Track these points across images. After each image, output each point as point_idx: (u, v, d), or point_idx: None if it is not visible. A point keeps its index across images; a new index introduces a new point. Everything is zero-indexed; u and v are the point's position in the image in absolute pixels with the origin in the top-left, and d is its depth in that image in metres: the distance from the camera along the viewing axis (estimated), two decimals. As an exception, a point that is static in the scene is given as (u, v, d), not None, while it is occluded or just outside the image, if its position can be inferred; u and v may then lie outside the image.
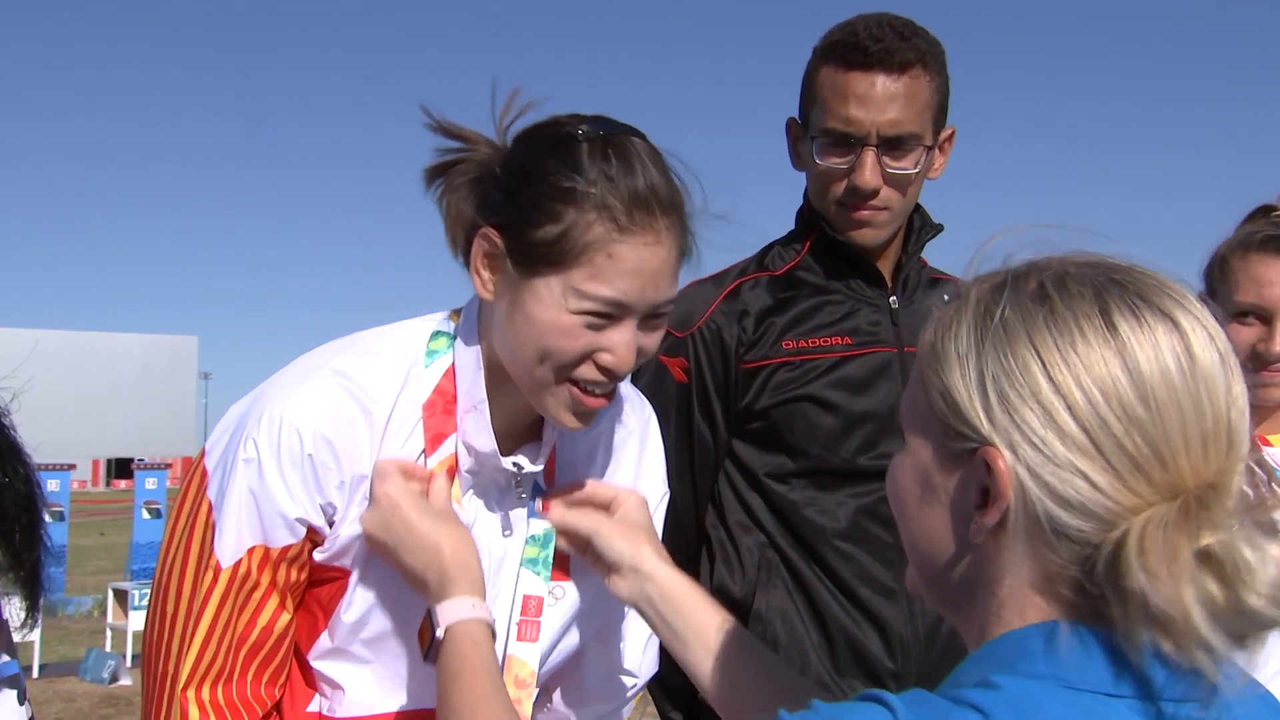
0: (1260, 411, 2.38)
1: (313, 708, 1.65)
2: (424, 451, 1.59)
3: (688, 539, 2.29)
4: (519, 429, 1.66)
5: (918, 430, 1.07)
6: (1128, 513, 0.94)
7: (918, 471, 1.07)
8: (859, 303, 2.28)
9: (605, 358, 1.51)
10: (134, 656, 10.24)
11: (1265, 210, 2.43)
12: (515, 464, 1.62)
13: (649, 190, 1.49)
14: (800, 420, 2.20)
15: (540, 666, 1.67)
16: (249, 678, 1.56)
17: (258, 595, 1.55)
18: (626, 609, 1.82)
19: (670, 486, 2.22)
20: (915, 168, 2.20)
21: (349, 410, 1.56)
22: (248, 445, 1.53)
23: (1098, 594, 0.95)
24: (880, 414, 2.21)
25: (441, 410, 1.60)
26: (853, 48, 2.15)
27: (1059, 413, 0.96)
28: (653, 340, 1.57)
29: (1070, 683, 0.94)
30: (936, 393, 1.03)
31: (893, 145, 2.16)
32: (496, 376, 1.60)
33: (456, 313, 1.68)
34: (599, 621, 1.80)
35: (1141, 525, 0.92)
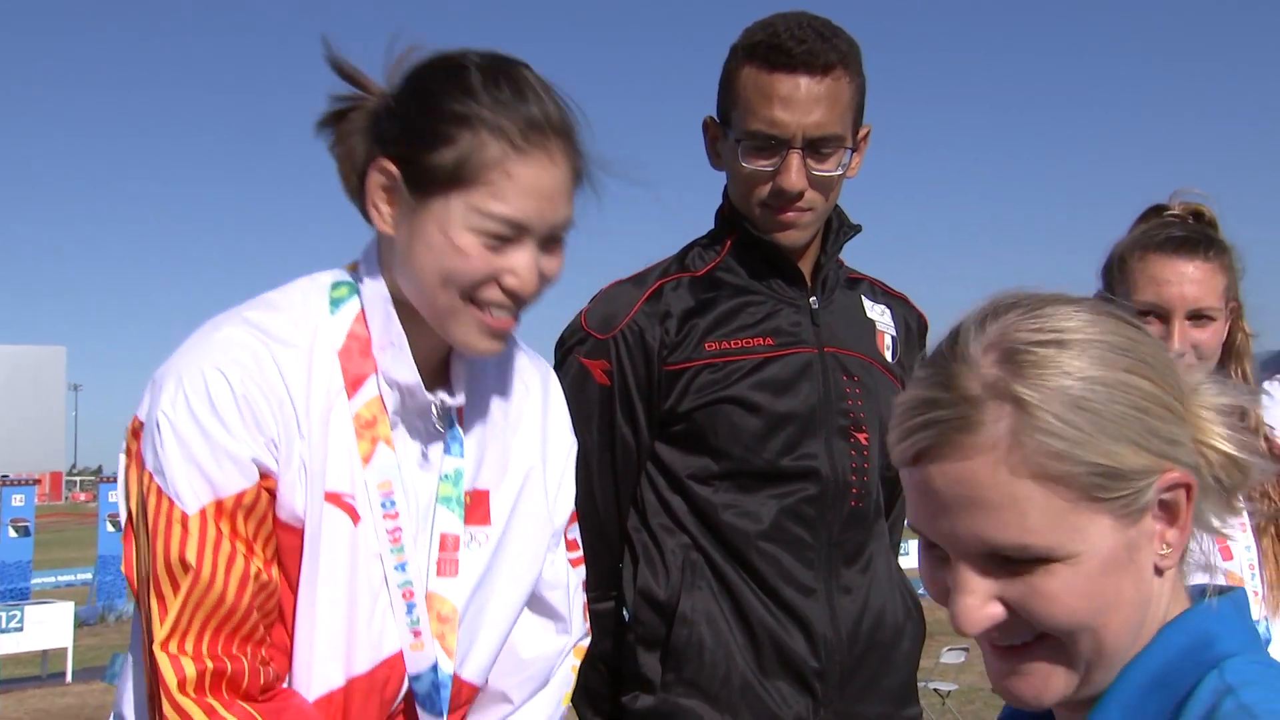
0: None
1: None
2: (345, 394, 1.59)
3: (611, 542, 2.27)
4: (430, 367, 1.66)
5: (1076, 533, 1.01)
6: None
7: (1109, 564, 1.03)
8: (780, 303, 2.27)
9: (509, 280, 1.54)
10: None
11: (1157, 210, 2.50)
12: (440, 399, 1.64)
13: (542, 114, 1.54)
14: (723, 422, 2.19)
15: (466, 607, 1.66)
16: (222, 635, 1.50)
17: (225, 548, 1.50)
18: (561, 571, 1.85)
19: (593, 489, 2.23)
20: (838, 169, 2.21)
21: (266, 354, 1.55)
22: (176, 404, 1.51)
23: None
24: (802, 414, 2.21)
25: (358, 354, 1.60)
26: (776, 49, 2.14)
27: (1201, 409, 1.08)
28: (553, 265, 1.60)
29: (1257, 647, 1.08)
30: (1092, 477, 1.00)
31: (817, 147, 2.17)
32: (403, 315, 1.62)
33: (353, 265, 1.68)
34: (528, 576, 1.78)
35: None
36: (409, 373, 1.60)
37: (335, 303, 1.63)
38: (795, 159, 2.15)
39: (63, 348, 13.22)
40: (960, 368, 1.03)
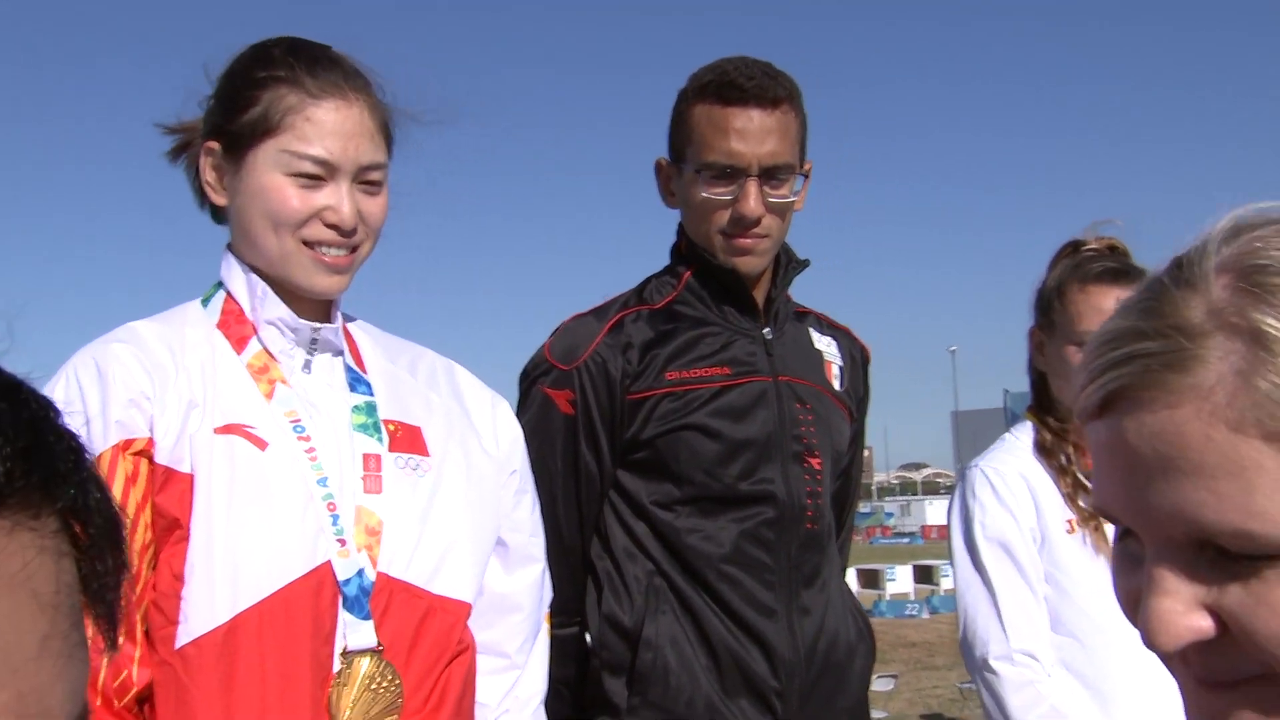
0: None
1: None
2: (234, 352, 1.73)
3: (575, 569, 2.33)
4: (309, 315, 1.79)
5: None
6: None
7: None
8: (735, 334, 2.36)
9: (329, 215, 1.69)
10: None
11: (1075, 245, 2.61)
12: (313, 326, 1.76)
13: (331, 64, 1.73)
14: (684, 448, 2.26)
15: (414, 524, 1.74)
16: None
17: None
18: (524, 514, 1.95)
19: (558, 517, 2.29)
20: (792, 195, 2.33)
21: (140, 349, 1.68)
22: (56, 390, 1.62)
23: None
24: (759, 440, 2.29)
25: (235, 321, 1.76)
26: (729, 85, 2.26)
27: None
28: (374, 206, 1.75)
29: None
30: None
31: (771, 175, 2.28)
32: (267, 281, 1.75)
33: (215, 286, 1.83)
34: (480, 501, 1.86)
35: None
36: (280, 308, 1.73)
37: (206, 300, 1.80)
38: (753, 186, 2.25)
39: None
40: (1180, 293, 0.74)
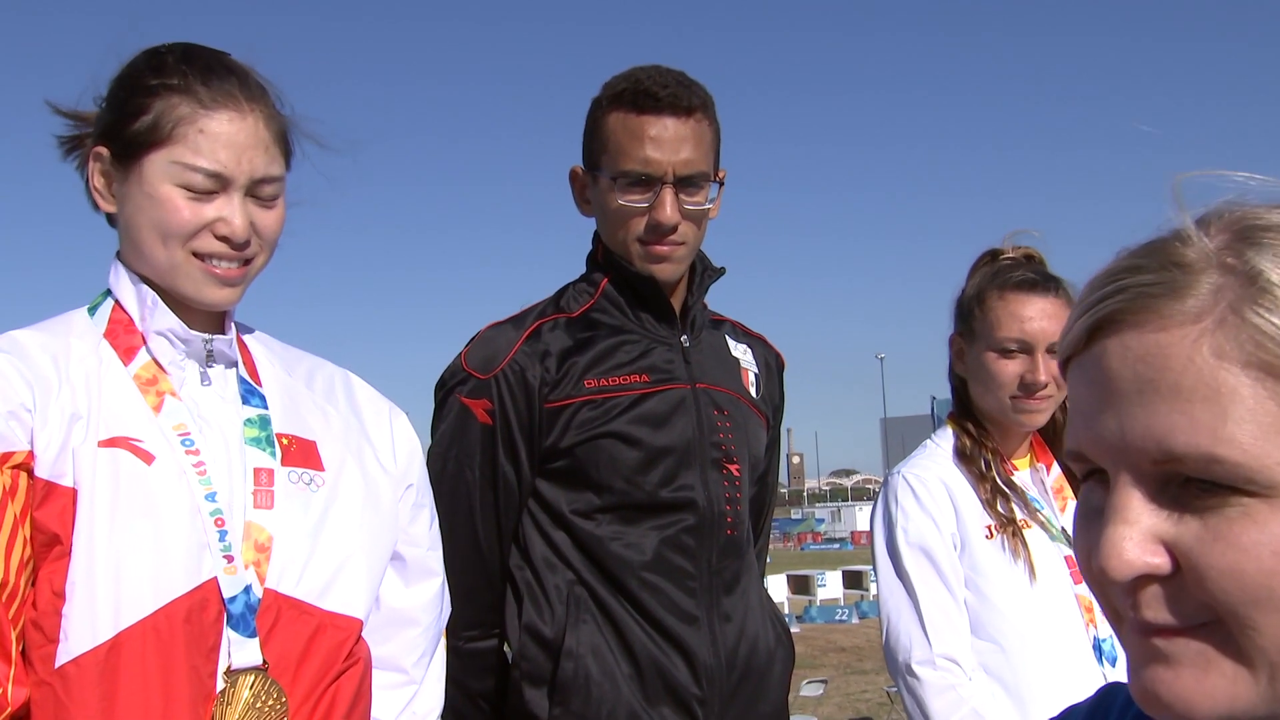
0: (1013, 439, 2.61)
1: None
2: (121, 363, 1.69)
3: (493, 580, 2.30)
4: (200, 326, 1.76)
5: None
6: None
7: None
8: (654, 342, 2.35)
9: (220, 227, 1.67)
10: None
11: (994, 254, 2.65)
12: (211, 339, 1.74)
13: (226, 74, 1.70)
14: (604, 456, 2.25)
15: (305, 540, 1.71)
16: None
17: None
18: (421, 528, 1.92)
19: (475, 527, 2.27)
20: (707, 203, 2.32)
21: (21, 359, 1.63)
22: None
23: None
24: (679, 447, 2.28)
25: (123, 332, 1.72)
26: (643, 94, 2.25)
27: None
28: (268, 219, 1.72)
29: None
30: None
31: (686, 183, 2.27)
32: (157, 290, 1.73)
33: (103, 295, 1.79)
34: (375, 518, 1.83)
35: None
36: (170, 319, 1.70)
37: (93, 309, 1.76)
38: (669, 193, 2.25)
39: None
40: (1178, 242, 0.75)
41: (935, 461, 2.60)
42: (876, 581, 2.60)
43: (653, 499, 2.26)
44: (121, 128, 1.68)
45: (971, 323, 2.56)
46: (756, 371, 2.51)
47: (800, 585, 25.00)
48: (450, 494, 2.23)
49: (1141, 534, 0.72)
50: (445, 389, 2.32)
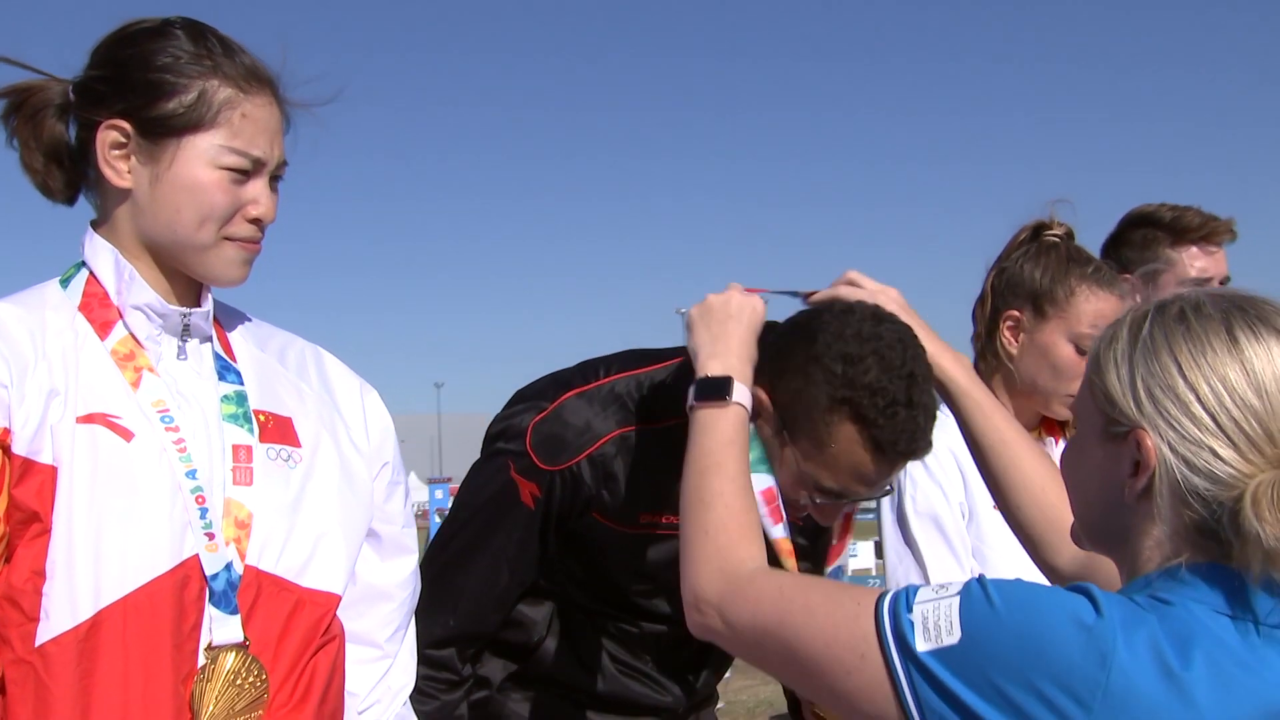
0: (1027, 415, 2.63)
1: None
2: (97, 338, 1.68)
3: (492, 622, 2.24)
4: (178, 299, 1.76)
5: (1084, 421, 1.38)
6: (1245, 478, 1.22)
7: (1085, 451, 1.37)
8: None
9: (253, 209, 1.71)
10: None
11: (1037, 229, 2.63)
12: (189, 312, 1.74)
13: (253, 62, 1.72)
14: (610, 577, 2.25)
15: (283, 516, 1.71)
16: None
17: None
18: (396, 505, 1.92)
19: (499, 568, 2.17)
20: None
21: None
22: None
23: (1224, 539, 1.23)
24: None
25: (99, 305, 1.71)
26: (889, 443, 1.95)
27: (1192, 403, 1.25)
28: (276, 200, 1.75)
29: (1217, 607, 1.23)
30: (1099, 391, 1.33)
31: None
32: (137, 261, 1.72)
33: (76, 266, 1.77)
34: (351, 494, 1.83)
35: (1255, 486, 1.21)
36: (148, 293, 1.70)
37: (65, 280, 1.74)
38: (852, 512, 2.16)
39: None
40: None
41: (944, 431, 2.57)
42: (884, 550, 2.61)
43: (632, 605, 2.25)
44: (148, 106, 1.66)
45: (1044, 304, 2.55)
46: None
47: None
48: (471, 545, 2.17)
49: None
50: (499, 443, 2.17)
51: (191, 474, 1.65)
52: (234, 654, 1.64)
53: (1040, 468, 2.00)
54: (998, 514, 2.48)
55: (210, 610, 1.63)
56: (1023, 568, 2.40)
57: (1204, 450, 1.24)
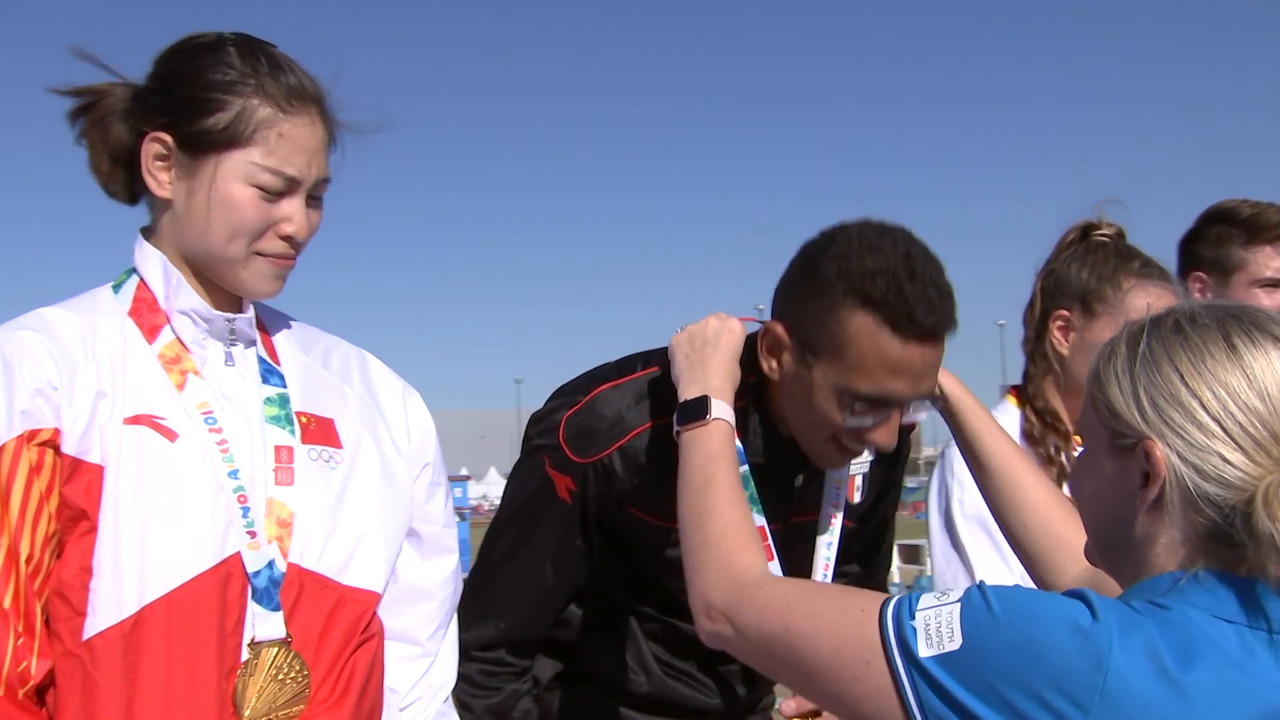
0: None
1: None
2: (145, 341, 1.74)
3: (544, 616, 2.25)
4: (223, 306, 1.81)
5: (1090, 437, 1.41)
6: (1254, 480, 1.25)
7: (1093, 466, 1.39)
8: (782, 476, 2.18)
9: (286, 227, 1.74)
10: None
11: (1086, 230, 2.61)
12: (232, 318, 1.78)
13: (298, 82, 1.76)
14: (655, 577, 2.25)
15: (324, 517, 1.76)
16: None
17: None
18: (438, 505, 1.96)
19: (543, 567, 2.18)
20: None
21: (49, 338, 1.68)
22: None
23: (1238, 542, 1.26)
24: None
25: (148, 311, 1.77)
26: (908, 318, 1.94)
27: (1197, 411, 1.28)
28: (317, 219, 1.79)
29: (1216, 612, 1.26)
30: (1102, 406, 1.36)
31: (913, 408, 2.09)
32: (185, 269, 1.78)
33: (128, 272, 1.82)
34: (392, 495, 1.87)
35: (1265, 487, 1.24)
36: (194, 299, 1.76)
37: (117, 286, 1.81)
38: (896, 418, 2.02)
39: None
40: None
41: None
42: (931, 553, 2.60)
43: (669, 603, 2.23)
44: (191, 121, 1.71)
45: (1094, 302, 2.55)
46: (866, 471, 2.31)
47: (910, 555, 24.48)
48: (514, 544, 2.19)
49: None
50: (536, 439, 2.19)
51: (234, 474, 1.70)
52: (276, 649, 1.68)
53: (1043, 488, 2.02)
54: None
55: (253, 607, 1.68)
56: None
57: (1213, 456, 1.27)
